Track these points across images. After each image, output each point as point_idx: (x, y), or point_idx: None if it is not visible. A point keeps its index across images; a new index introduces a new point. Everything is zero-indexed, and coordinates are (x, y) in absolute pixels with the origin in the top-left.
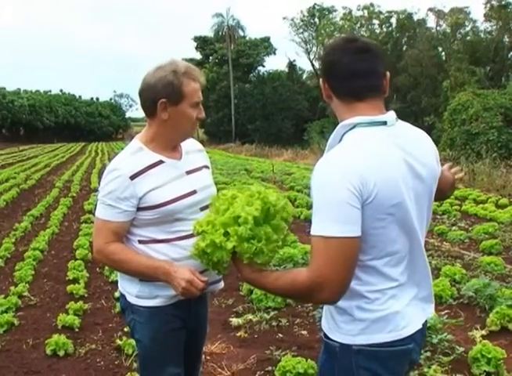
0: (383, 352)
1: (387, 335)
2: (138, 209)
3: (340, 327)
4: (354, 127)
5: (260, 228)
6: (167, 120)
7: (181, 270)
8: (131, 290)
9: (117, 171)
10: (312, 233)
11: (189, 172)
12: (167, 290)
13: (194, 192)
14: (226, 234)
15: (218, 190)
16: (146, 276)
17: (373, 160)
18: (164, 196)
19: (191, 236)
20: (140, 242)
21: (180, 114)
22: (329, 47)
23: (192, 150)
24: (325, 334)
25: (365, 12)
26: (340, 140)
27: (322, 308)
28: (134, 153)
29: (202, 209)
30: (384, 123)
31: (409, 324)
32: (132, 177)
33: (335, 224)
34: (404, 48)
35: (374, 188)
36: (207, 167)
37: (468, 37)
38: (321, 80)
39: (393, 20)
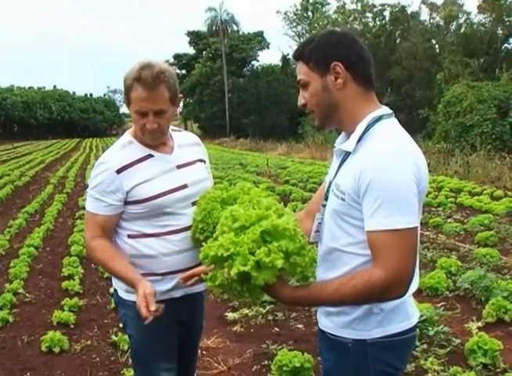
0: (396, 342)
1: (400, 325)
2: (127, 203)
3: (354, 323)
4: (380, 119)
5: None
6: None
7: (140, 291)
8: (121, 284)
9: (104, 165)
10: (382, 227)
11: (180, 166)
12: (157, 286)
13: (185, 186)
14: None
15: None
16: (120, 281)
17: (418, 150)
18: (151, 190)
19: (180, 230)
20: (129, 236)
21: (132, 117)
22: (340, 32)
23: (187, 143)
24: (330, 333)
25: (359, 5)
26: (367, 132)
27: None
28: (124, 146)
29: (194, 203)
30: (392, 114)
31: (415, 312)
32: (119, 171)
33: (407, 216)
34: (397, 41)
35: (422, 177)
36: (202, 160)
37: (462, 30)
38: (332, 64)
39: (386, 13)
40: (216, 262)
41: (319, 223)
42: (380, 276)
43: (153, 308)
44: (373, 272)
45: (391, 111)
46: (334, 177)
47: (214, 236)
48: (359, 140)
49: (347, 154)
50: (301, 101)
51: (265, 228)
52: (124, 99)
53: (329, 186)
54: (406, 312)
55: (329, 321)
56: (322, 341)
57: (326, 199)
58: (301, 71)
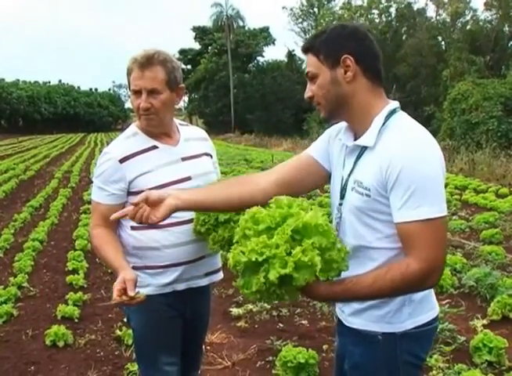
0: (422, 332)
1: (427, 315)
2: (129, 193)
3: (387, 317)
4: (394, 111)
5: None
6: None
7: (120, 276)
8: None
9: (107, 155)
10: (414, 218)
11: (185, 159)
12: (159, 279)
13: (188, 178)
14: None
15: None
16: (111, 270)
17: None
18: (153, 181)
19: (183, 222)
20: (133, 228)
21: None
22: (351, 25)
23: (194, 137)
24: (358, 329)
25: (365, 1)
26: (383, 125)
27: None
28: (128, 137)
29: None
30: (400, 108)
31: (436, 301)
32: (122, 160)
33: (438, 204)
34: (403, 38)
35: (444, 167)
36: (208, 154)
37: (468, 27)
38: (343, 57)
39: (392, 10)
40: (249, 267)
41: (338, 223)
42: (416, 267)
43: (131, 293)
44: (409, 263)
45: (399, 104)
46: (350, 174)
47: (236, 239)
48: (378, 134)
49: (363, 149)
50: (307, 93)
51: (295, 226)
52: (128, 85)
53: (344, 184)
54: (432, 302)
55: (358, 318)
56: (346, 336)
57: (342, 197)
58: (310, 63)
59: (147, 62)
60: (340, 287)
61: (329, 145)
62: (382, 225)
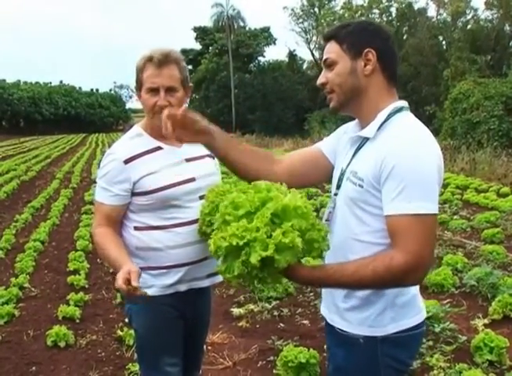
0: (406, 337)
1: (411, 320)
2: (134, 194)
3: (369, 319)
4: (401, 109)
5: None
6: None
7: (124, 268)
8: None
9: (112, 155)
10: (404, 212)
11: (188, 160)
12: (162, 279)
13: (192, 179)
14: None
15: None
16: (111, 267)
17: (437, 143)
18: (158, 181)
19: (187, 223)
20: (136, 228)
21: (142, 101)
22: (377, 23)
23: None
24: (340, 329)
25: (366, 0)
26: (388, 120)
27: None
28: (132, 138)
29: (201, 197)
30: (409, 108)
31: (423, 306)
32: (126, 161)
33: (430, 202)
34: (404, 38)
35: (442, 168)
36: (210, 156)
37: (469, 26)
38: (366, 50)
39: (393, 9)
40: (230, 252)
41: (330, 213)
42: (401, 259)
43: (135, 284)
44: (394, 255)
45: (407, 104)
46: (348, 165)
47: (216, 226)
48: (379, 127)
49: (363, 141)
50: (321, 79)
51: (274, 210)
52: (136, 84)
53: (341, 175)
54: (418, 307)
55: (341, 319)
56: (331, 336)
57: (338, 187)
58: (331, 51)
59: (165, 59)
60: (322, 272)
61: (338, 141)
62: (371, 219)
